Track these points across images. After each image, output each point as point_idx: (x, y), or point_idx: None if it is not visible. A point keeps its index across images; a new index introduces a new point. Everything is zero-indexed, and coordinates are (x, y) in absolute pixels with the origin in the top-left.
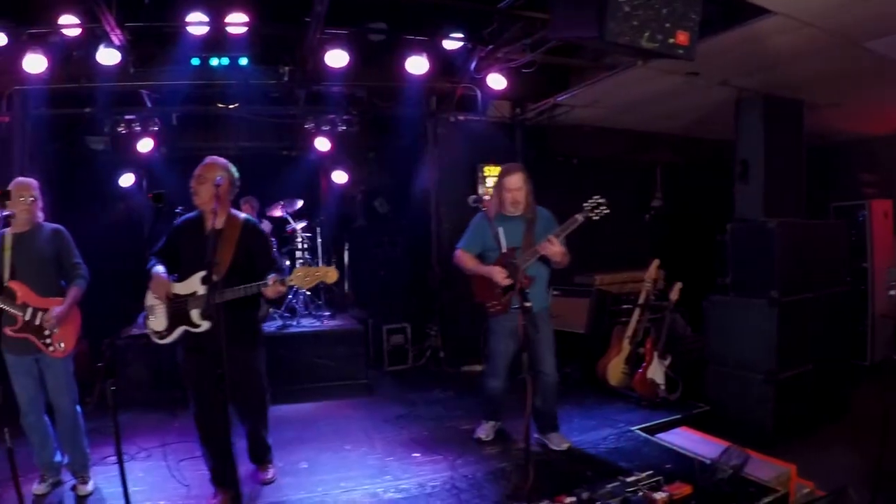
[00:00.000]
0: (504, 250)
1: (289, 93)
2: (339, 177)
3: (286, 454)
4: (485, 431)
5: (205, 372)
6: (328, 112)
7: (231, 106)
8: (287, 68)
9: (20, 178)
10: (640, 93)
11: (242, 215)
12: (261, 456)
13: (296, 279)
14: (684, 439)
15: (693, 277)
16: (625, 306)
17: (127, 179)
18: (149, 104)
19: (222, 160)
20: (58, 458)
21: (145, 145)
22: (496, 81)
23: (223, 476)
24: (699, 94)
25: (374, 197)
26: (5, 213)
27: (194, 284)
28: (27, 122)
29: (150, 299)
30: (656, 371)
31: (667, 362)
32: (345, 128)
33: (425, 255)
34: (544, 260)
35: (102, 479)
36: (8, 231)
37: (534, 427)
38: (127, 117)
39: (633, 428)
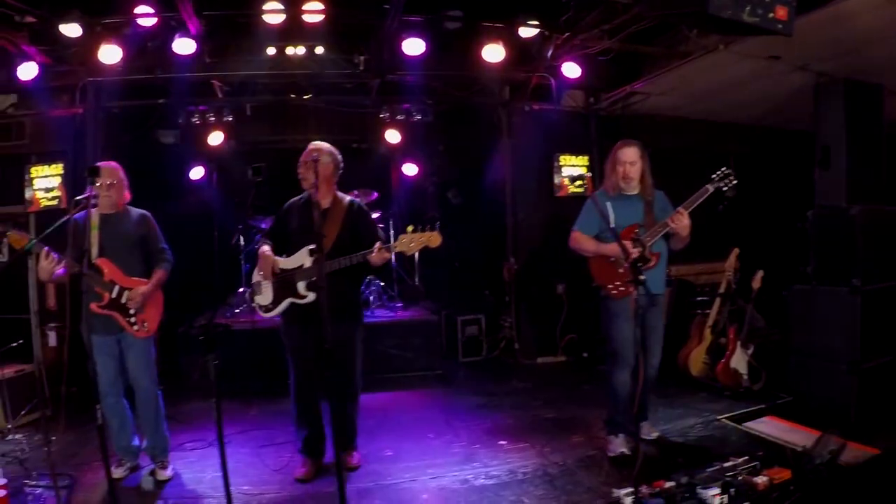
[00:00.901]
0: (612, 225)
1: (361, 84)
2: (410, 169)
3: (368, 442)
4: (619, 445)
5: (307, 344)
6: (402, 102)
7: (305, 97)
8: (362, 58)
9: (105, 162)
10: (718, 79)
11: (348, 197)
12: (347, 439)
13: (401, 245)
14: (773, 428)
15: (766, 268)
16: (700, 298)
17: (197, 172)
18: (220, 95)
19: (326, 144)
20: (135, 442)
21: (216, 138)
22: (571, 70)
23: (315, 447)
24: (776, 81)
25: (446, 188)
26: (90, 192)
27: (301, 258)
28: (100, 114)
29: (257, 276)
30: (739, 361)
31: (750, 352)
32: (420, 117)
33: (500, 246)
34: (665, 240)
35: (181, 464)
36: (95, 211)
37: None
38: (201, 108)
39: (719, 417)
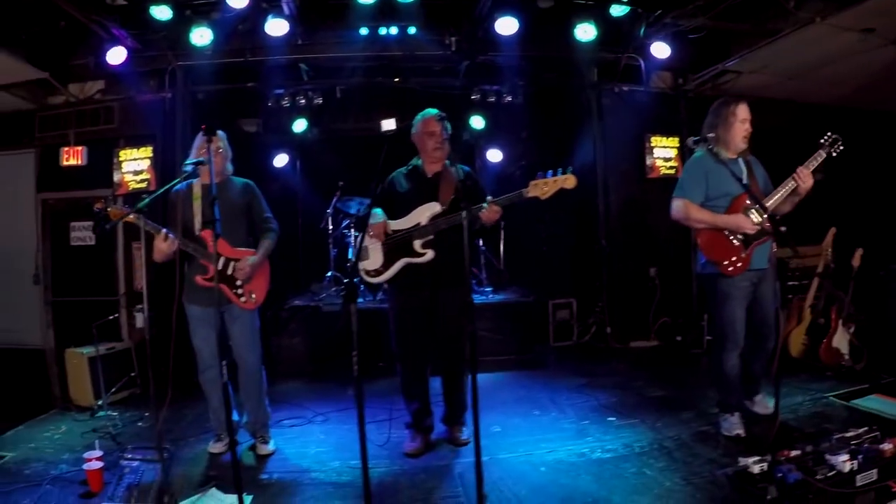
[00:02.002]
0: (743, 192)
1: (447, 68)
2: (495, 155)
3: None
4: (735, 425)
5: (416, 310)
6: (491, 84)
7: (395, 80)
8: (454, 38)
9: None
10: (810, 56)
11: (457, 165)
12: (457, 412)
13: (534, 189)
14: (882, 405)
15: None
16: (791, 283)
17: (281, 160)
18: (305, 79)
19: (436, 113)
20: (235, 417)
21: (299, 126)
22: (660, 50)
23: (424, 420)
24: (869, 56)
25: (532, 173)
26: (197, 159)
27: (416, 217)
28: (189, 99)
29: (365, 241)
30: (841, 340)
31: (851, 331)
32: (510, 98)
33: (590, 229)
34: None
35: (281, 440)
36: (197, 181)
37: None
38: (291, 91)
39: (826, 394)
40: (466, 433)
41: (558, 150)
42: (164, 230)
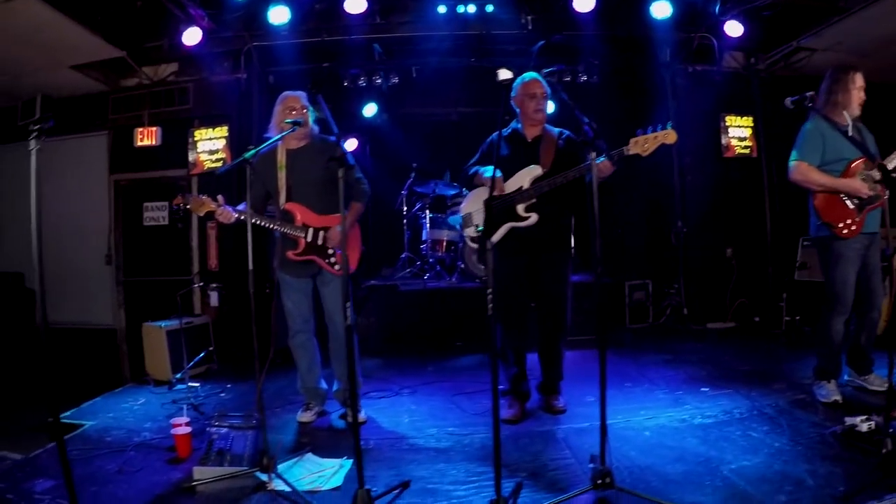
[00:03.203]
0: (859, 156)
1: (520, 49)
2: None
3: (566, 390)
4: (832, 393)
5: (518, 274)
6: (565, 64)
7: (471, 59)
8: (530, 17)
9: (289, 91)
10: (884, 32)
11: (557, 129)
12: (554, 380)
13: (635, 146)
14: None
15: None
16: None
17: (350, 144)
18: (375, 58)
19: (537, 75)
20: (322, 385)
21: (370, 110)
22: (733, 28)
23: (522, 386)
24: None
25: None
26: (290, 120)
27: (519, 180)
28: (265, 79)
29: (469, 207)
30: None
31: None
32: (585, 78)
33: (666, 210)
34: None
35: (371, 411)
36: (280, 146)
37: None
38: (366, 70)
39: None
40: (562, 401)
41: (631, 130)
42: (223, 207)
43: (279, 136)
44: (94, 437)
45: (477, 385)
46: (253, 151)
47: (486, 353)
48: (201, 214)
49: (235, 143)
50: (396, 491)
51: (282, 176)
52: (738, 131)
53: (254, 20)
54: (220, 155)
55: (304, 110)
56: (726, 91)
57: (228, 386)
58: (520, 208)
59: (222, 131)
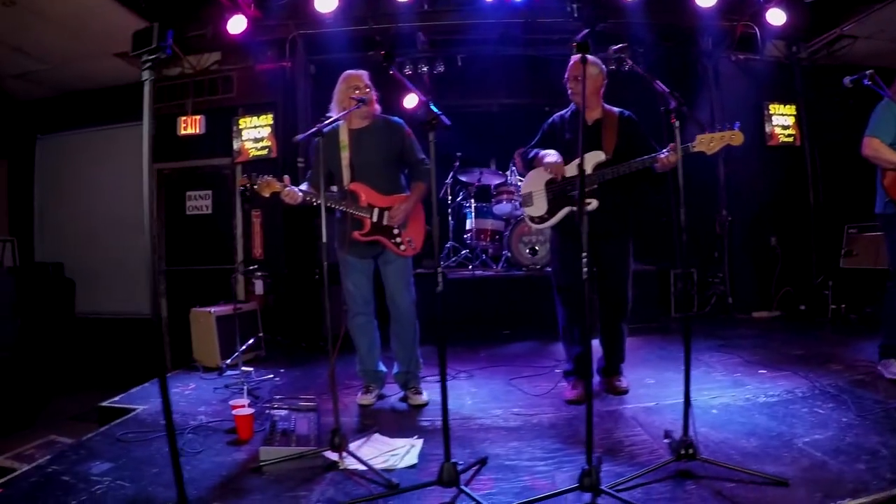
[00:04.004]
0: None
1: (563, 38)
2: None
3: (626, 372)
4: None
5: (578, 256)
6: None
7: (515, 49)
8: (576, 5)
9: (350, 71)
10: None
11: (617, 109)
12: (616, 361)
13: (701, 144)
14: None
15: None
16: None
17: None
18: (418, 47)
19: (591, 56)
20: (382, 367)
21: (411, 101)
22: (775, 17)
23: (584, 367)
24: None
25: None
26: (356, 96)
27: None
28: (309, 68)
29: (529, 187)
30: None
31: None
32: (630, 65)
33: (710, 199)
34: None
35: (431, 393)
36: (342, 125)
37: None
38: (412, 59)
39: None
40: (625, 382)
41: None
42: (289, 188)
43: (346, 111)
44: (147, 420)
45: (533, 369)
46: (327, 123)
47: (536, 339)
48: (267, 195)
49: (281, 132)
50: (476, 467)
51: (345, 156)
52: (782, 119)
53: (299, 8)
54: (266, 143)
55: (368, 89)
56: (769, 79)
57: (282, 371)
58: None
59: (267, 119)
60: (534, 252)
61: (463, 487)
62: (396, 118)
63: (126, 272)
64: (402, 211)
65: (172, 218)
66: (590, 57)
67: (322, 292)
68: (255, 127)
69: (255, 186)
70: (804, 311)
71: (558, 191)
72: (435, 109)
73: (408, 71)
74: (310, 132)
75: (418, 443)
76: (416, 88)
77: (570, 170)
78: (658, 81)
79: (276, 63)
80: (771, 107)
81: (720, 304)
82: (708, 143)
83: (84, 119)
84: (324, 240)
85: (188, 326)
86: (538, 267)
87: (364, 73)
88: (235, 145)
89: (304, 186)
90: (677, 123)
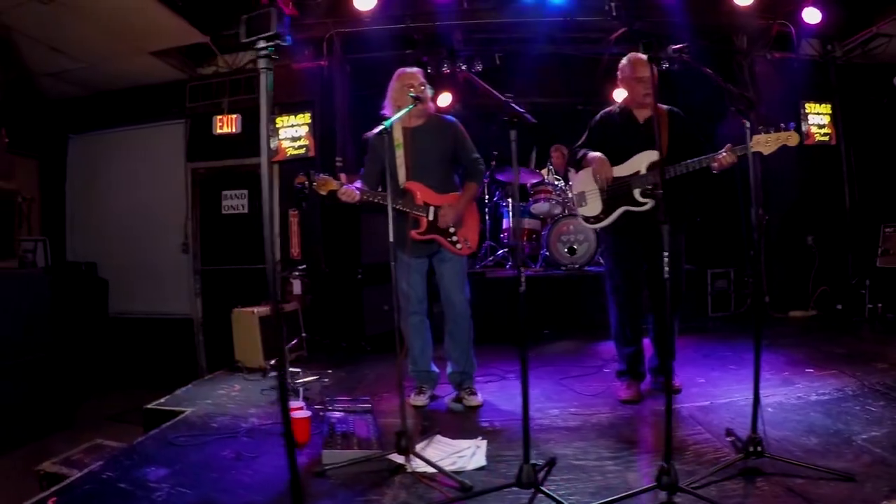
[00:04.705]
0: None
1: (597, 38)
2: None
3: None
4: None
5: (633, 255)
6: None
7: (551, 46)
8: (614, 3)
9: (405, 69)
10: None
11: (665, 106)
12: (668, 359)
13: (758, 144)
14: None
15: None
16: None
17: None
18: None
19: (643, 55)
20: (434, 368)
21: (444, 99)
22: (811, 15)
23: (637, 366)
24: None
25: None
26: (414, 94)
27: (636, 165)
28: (346, 67)
29: (581, 186)
30: None
31: None
32: (667, 65)
33: (745, 196)
34: None
35: (483, 394)
36: (396, 123)
37: None
38: (448, 57)
39: None
40: (678, 380)
41: (703, 117)
42: (346, 186)
43: (406, 109)
44: (198, 423)
45: (581, 369)
46: (390, 122)
47: (577, 338)
48: (324, 193)
49: (318, 130)
50: (547, 468)
51: (400, 154)
52: (818, 118)
53: (337, 7)
54: (304, 142)
55: (423, 87)
56: (804, 78)
57: (329, 372)
58: (636, 193)
59: (305, 118)
60: (572, 251)
61: (542, 488)
62: (449, 116)
63: (159, 271)
64: (453, 210)
65: (208, 217)
66: (644, 56)
67: (394, 293)
68: (293, 126)
69: (314, 184)
70: (840, 310)
71: (613, 191)
72: (517, 108)
73: (445, 70)
74: (377, 130)
75: (483, 444)
76: (491, 89)
77: (624, 169)
78: (723, 82)
79: (313, 61)
80: (807, 105)
81: (756, 302)
82: (765, 143)
83: (117, 118)
84: (391, 239)
85: (224, 326)
86: (577, 266)
87: (419, 71)
88: (273, 144)
89: (358, 184)
90: (748, 124)
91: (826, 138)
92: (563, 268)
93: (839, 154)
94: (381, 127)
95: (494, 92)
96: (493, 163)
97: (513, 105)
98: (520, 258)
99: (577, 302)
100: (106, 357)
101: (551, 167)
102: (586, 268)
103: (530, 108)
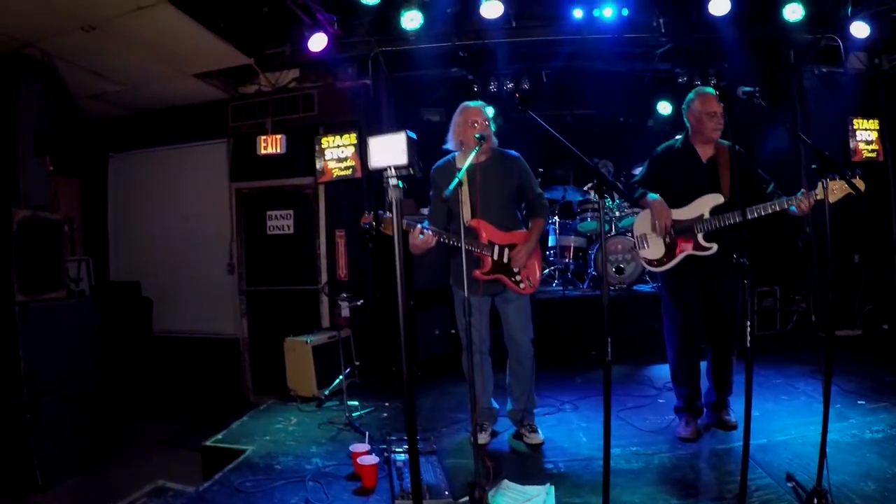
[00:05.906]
0: None
1: (643, 53)
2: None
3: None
4: None
5: (693, 296)
6: (692, 67)
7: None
8: (662, 20)
9: (468, 103)
10: None
11: (726, 142)
12: (725, 395)
13: (832, 195)
14: None
15: None
16: None
17: None
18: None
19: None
20: (495, 404)
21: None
22: (859, 30)
23: (695, 404)
24: None
25: None
26: (479, 134)
27: (699, 208)
28: (390, 84)
29: (643, 228)
30: None
31: None
32: (715, 81)
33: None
34: None
35: (543, 429)
36: (459, 158)
37: None
38: (496, 75)
39: None
40: (734, 416)
41: (751, 133)
42: (419, 225)
43: (473, 152)
44: (261, 465)
45: (635, 400)
46: (463, 170)
47: (628, 363)
48: (390, 234)
49: (365, 151)
50: None
51: (464, 191)
52: (865, 134)
53: (382, 25)
54: (350, 162)
55: (486, 122)
56: (852, 93)
57: (386, 404)
58: (700, 237)
59: (350, 138)
60: (620, 271)
61: None
62: (512, 151)
63: (204, 291)
64: (525, 251)
65: (252, 238)
66: (713, 91)
67: (460, 331)
68: (339, 146)
69: (382, 226)
70: (887, 329)
71: (677, 233)
72: (607, 176)
73: (492, 88)
74: (443, 160)
75: (551, 490)
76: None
77: (687, 213)
78: (806, 140)
79: (357, 80)
80: (855, 121)
81: (802, 322)
82: (838, 189)
83: (158, 137)
84: (465, 284)
85: (269, 347)
86: (625, 286)
87: (482, 106)
88: (318, 165)
89: (425, 224)
90: (827, 182)
91: (873, 154)
92: (612, 288)
93: (887, 170)
94: (454, 181)
95: (576, 150)
96: (539, 180)
97: (601, 172)
98: (606, 286)
99: (627, 323)
100: (151, 377)
101: (593, 187)
102: (634, 287)
103: (573, 119)
